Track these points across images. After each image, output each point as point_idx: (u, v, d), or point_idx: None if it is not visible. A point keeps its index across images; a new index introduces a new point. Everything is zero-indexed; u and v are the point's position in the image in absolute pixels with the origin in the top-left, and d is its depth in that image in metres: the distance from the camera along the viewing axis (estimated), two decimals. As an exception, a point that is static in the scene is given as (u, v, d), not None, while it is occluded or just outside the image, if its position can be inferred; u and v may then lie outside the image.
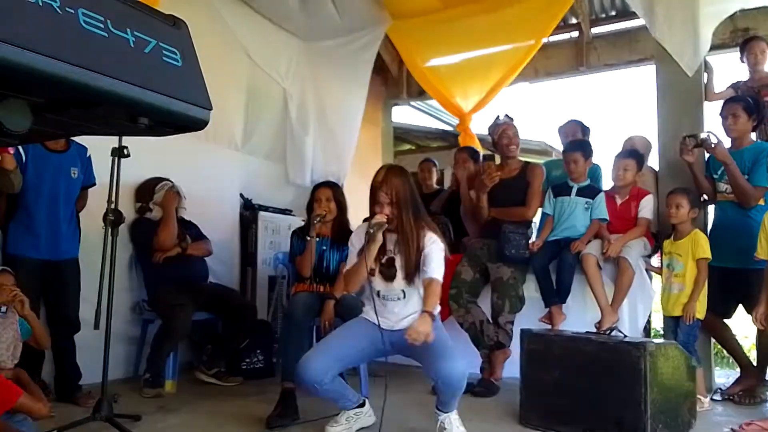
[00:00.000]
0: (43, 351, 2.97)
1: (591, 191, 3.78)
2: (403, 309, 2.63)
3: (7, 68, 0.90)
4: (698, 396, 2.94)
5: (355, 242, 2.70)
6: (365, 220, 3.32)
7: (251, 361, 3.98)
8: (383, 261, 2.64)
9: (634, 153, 3.90)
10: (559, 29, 5.29)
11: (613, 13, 5.80)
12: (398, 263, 2.62)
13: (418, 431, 2.80)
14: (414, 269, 2.58)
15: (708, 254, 3.24)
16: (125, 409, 2.84)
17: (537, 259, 3.71)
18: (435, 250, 2.59)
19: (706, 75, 4.05)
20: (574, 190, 3.79)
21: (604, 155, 4.67)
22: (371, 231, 2.53)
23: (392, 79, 6.93)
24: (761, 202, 3.46)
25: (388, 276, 2.63)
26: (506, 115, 3.97)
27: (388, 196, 2.59)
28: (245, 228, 4.89)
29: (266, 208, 5.01)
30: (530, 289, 3.82)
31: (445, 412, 2.56)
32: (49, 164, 3.12)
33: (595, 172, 4.30)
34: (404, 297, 2.62)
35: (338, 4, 5.12)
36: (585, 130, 4.53)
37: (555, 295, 3.70)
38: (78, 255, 3.26)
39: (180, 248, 3.78)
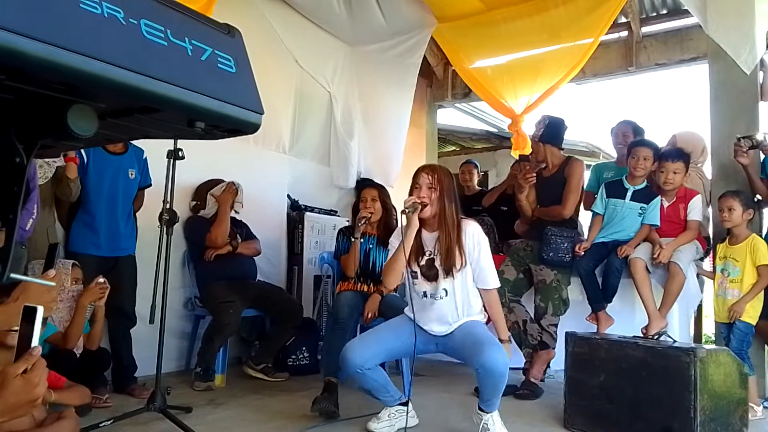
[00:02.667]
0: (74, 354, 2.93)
1: (647, 194, 3.64)
2: (449, 306, 2.64)
3: (76, 76, 0.97)
4: (751, 404, 2.84)
5: (395, 241, 2.74)
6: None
7: (297, 357, 4.07)
8: (423, 263, 2.67)
9: (682, 155, 3.76)
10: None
11: (664, 12, 5.65)
12: (437, 263, 2.64)
13: None
14: (453, 263, 2.60)
15: None
16: (177, 401, 2.95)
17: (582, 262, 3.62)
18: (484, 251, 2.64)
19: (761, 73, 3.90)
20: (629, 194, 3.66)
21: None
22: (407, 211, 2.55)
23: (437, 81, 6.94)
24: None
25: (431, 276, 2.66)
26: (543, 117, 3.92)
27: (431, 182, 2.62)
28: (292, 228, 4.99)
29: (312, 209, 5.10)
30: (575, 292, 3.77)
31: (487, 413, 2.56)
32: (108, 166, 3.27)
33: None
34: (447, 295, 2.64)
35: (384, 9, 5.18)
36: (638, 130, 4.39)
37: (601, 300, 3.63)
38: (135, 252, 3.41)
39: (231, 246, 3.89)
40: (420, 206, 2.57)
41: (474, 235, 2.66)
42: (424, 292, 2.68)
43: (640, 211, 3.63)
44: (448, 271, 2.61)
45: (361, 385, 2.69)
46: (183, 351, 4.02)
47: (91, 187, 3.23)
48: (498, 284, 2.75)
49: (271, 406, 3.17)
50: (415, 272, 2.68)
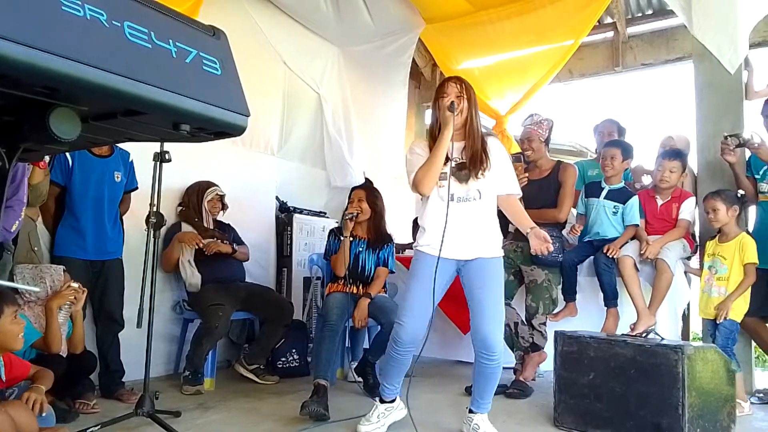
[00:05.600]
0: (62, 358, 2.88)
1: (622, 194, 3.72)
2: (478, 212, 2.60)
3: (58, 79, 0.96)
4: (738, 400, 2.87)
5: (419, 150, 2.69)
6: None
7: (287, 360, 4.05)
8: (454, 165, 2.61)
9: (679, 154, 3.80)
10: (593, 29, 5.21)
11: (650, 12, 5.70)
12: (467, 166, 2.61)
13: (451, 432, 2.81)
14: (482, 166, 2.59)
15: (756, 259, 3.17)
16: (166, 406, 2.93)
17: (567, 255, 3.72)
18: (504, 160, 2.71)
19: (746, 73, 3.95)
20: (603, 193, 3.76)
21: (640, 156, 4.58)
22: (451, 109, 2.52)
23: (425, 82, 6.95)
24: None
25: (463, 178, 2.59)
26: (531, 116, 3.92)
27: (460, 90, 2.62)
28: (281, 230, 4.98)
29: (301, 211, 5.09)
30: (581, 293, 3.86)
31: (478, 413, 2.57)
32: (94, 169, 3.25)
33: (627, 175, 4.25)
34: (480, 197, 2.60)
35: (372, 10, 5.18)
36: (621, 129, 4.46)
37: (574, 293, 3.79)
38: (122, 256, 3.38)
39: (231, 248, 3.93)
40: (456, 106, 2.55)
41: (496, 145, 2.71)
42: (452, 195, 2.56)
43: (613, 209, 3.71)
44: (478, 173, 2.58)
45: (408, 361, 2.65)
46: (171, 355, 3.99)
47: (77, 190, 3.20)
48: (519, 191, 2.77)
49: (260, 410, 3.15)
50: (445, 173, 2.59)
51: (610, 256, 3.57)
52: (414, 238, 5.02)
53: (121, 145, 3.38)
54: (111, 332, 3.30)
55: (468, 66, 5.61)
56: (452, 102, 2.54)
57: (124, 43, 1.04)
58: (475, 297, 2.57)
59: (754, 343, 3.66)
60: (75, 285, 2.82)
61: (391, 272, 3.73)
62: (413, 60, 5.91)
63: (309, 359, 4.08)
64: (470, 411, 2.62)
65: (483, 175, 2.59)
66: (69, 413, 2.74)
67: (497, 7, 5.16)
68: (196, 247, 3.79)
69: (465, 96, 2.62)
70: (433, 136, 2.66)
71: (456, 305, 3.79)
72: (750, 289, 3.19)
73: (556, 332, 2.98)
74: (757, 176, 3.54)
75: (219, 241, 3.89)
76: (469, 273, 2.61)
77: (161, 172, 2.73)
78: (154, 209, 2.73)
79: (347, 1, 5.07)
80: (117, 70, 1.00)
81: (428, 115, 7.54)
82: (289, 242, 4.94)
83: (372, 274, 3.63)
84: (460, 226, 2.56)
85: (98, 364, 3.18)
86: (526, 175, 3.75)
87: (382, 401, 2.75)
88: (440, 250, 2.51)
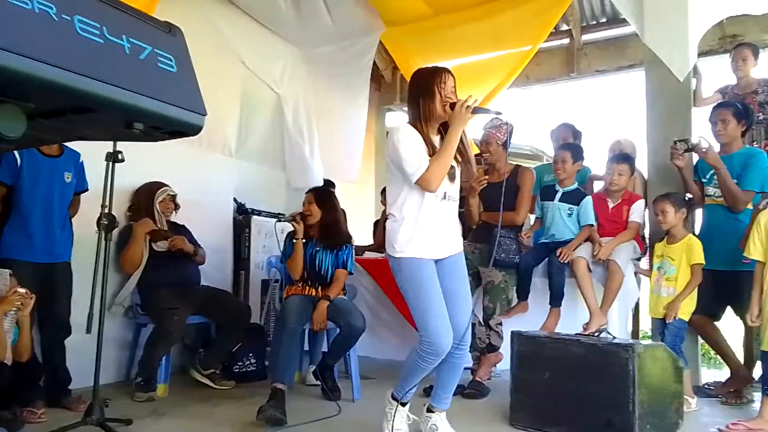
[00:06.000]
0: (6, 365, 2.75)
1: (576, 196, 3.84)
2: (455, 214, 2.58)
3: (2, 74, 0.92)
4: (686, 397, 2.97)
5: (414, 136, 2.47)
6: None
7: (243, 364, 3.99)
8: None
9: (627, 158, 3.94)
10: (550, 36, 5.33)
11: (604, 20, 5.87)
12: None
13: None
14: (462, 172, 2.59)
15: (702, 260, 3.28)
16: (117, 413, 2.84)
17: (524, 257, 3.80)
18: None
19: (694, 80, 4.11)
20: (558, 195, 3.87)
21: (595, 159, 4.71)
22: (479, 111, 2.48)
23: (386, 84, 6.97)
24: (749, 206, 3.51)
25: (453, 175, 2.54)
26: (491, 120, 3.97)
27: (454, 84, 2.58)
28: (238, 232, 4.90)
29: (259, 213, 5.03)
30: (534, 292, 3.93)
31: (437, 412, 2.58)
32: (43, 169, 3.13)
33: (585, 176, 4.36)
34: (457, 200, 2.58)
35: (332, 11, 5.16)
36: (576, 133, 4.57)
37: (527, 293, 3.87)
38: (71, 259, 3.27)
39: (193, 251, 3.87)
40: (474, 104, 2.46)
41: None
42: (444, 194, 2.49)
43: (568, 211, 3.82)
44: (454, 173, 2.54)
45: (424, 371, 2.50)
46: (123, 361, 3.87)
47: (25, 190, 3.08)
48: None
49: (215, 415, 3.09)
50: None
51: (563, 261, 3.66)
52: (379, 240, 5.02)
53: (72, 145, 3.26)
54: (58, 338, 3.18)
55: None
56: (473, 102, 2.47)
57: (74, 38, 1.00)
58: (451, 291, 2.52)
59: (700, 341, 3.80)
60: (22, 290, 2.70)
61: (350, 274, 3.73)
62: (374, 62, 5.92)
63: (267, 363, 4.03)
64: (429, 410, 2.62)
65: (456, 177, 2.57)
66: (15, 422, 2.64)
67: (457, 12, 5.21)
68: (157, 236, 3.72)
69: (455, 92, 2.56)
70: (426, 122, 2.51)
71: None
72: (697, 288, 3.31)
73: (512, 332, 3.03)
74: (704, 180, 3.68)
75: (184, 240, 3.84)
76: (445, 269, 2.55)
77: (114, 172, 2.66)
78: (106, 211, 2.65)
79: (307, 2, 5.04)
80: (66, 65, 0.96)
81: (389, 117, 7.57)
82: (247, 244, 4.87)
83: (331, 275, 3.62)
84: (447, 225, 2.55)
85: (44, 371, 3.06)
86: (486, 177, 3.80)
87: (403, 404, 2.63)
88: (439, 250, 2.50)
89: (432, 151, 2.46)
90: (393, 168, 2.49)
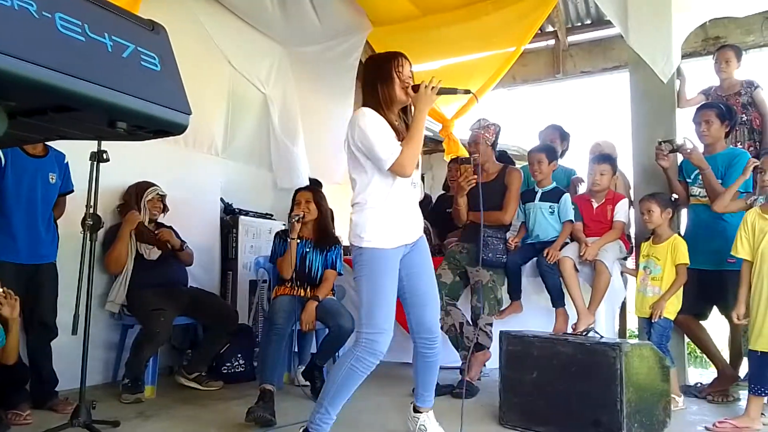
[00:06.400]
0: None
1: (555, 194, 3.89)
2: (417, 199, 2.53)
3: (-18, 72, 0.90)
4: (673, 395, 2.99)
5: (379, 119, 2.39)
6: None
7: (232, 365, 3.97)
8: None
9: (608, 158, 3.98)
10: (536, 37, 5.38)
11: (589, 22, 5.92)
12: None
13: (397, 433, 2.81)
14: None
15: (687, 260, 3.31)
16: (104, 416, 2.81)
17: (511, 257, 3.83)
18: None
19: (678, 82, 4.14)
20: (537, 196, 3.92)
21: (581, 160, 4.74)
22: (446, 92, 2.43)
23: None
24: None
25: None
26: (479, 120, 3.99)
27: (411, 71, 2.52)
28: (226, 232, 4.88)
29: (247, 213, 5.00)
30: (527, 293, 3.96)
31: (424, 411, 2.57)
32: (27, 169, 3.09)
33: (568, 178, 4.39)
34: (418, 185, 2.53)
35: (319, 11, 5.15)
36: (564, 134, 4.59)
37: (519, 292, 3.89)
38: (56, 260, 3.24)
39: (180, 244, 3.87)
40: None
41: None
42: (412, 179, 2.46)
43: (549, 209, 3.87)
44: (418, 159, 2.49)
45: (355, 383, 2.37)
46: (110, 362, 3.84)
47: (9, 190, 3.04)
48: None
49: (203, 417, 3.07)
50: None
51: (550, 262, 3.68)
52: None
53: (57, 145, 3.23)
54: (44, 340, 3.15)
55: (415, 69, 5.64)
56: (438, 84, 2.41)
57: (55, 36, 0.99)
58: (418, 282, 2.48)
59: (686, 339, 3.83)
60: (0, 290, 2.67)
61: (339, 274, 3.72)
62: (360, 62, 5.92)
63: (255, 364, 4.01)
64: (416, 410, 2.61)
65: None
66: (0, 424, 2.60)
67: (444, 13, 5.24)
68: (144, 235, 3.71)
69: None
70: (387, 107, 2.44)
71: (400, 306, 3.81)
72: (683, 287, 3.34)
73: (501, 332, 3.04)
74: (688, 180, 3.71)
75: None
76: (412, 252, 2.48)
77: (98, 172, 2.64)
78: (91, 211, 2.63)
79: (294, 1, 5.03)
80: (47, 63, 0.95)
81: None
82: (234, 245, 4.84)
83: (320, 276, 3.61)
84: (413, 210, 2.51)
85: (30, 373, 3.03)
86: (475, 176, 3.81)
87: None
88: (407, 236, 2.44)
89: (398, 137, 2.41)
90: (359, 155, 2.39)
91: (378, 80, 2.47)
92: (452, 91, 2.54)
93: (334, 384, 2.34)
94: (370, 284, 2.35)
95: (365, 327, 2.30)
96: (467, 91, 2.69)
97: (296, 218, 3.50)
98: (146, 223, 3.81)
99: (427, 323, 2.50)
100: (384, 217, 2.38)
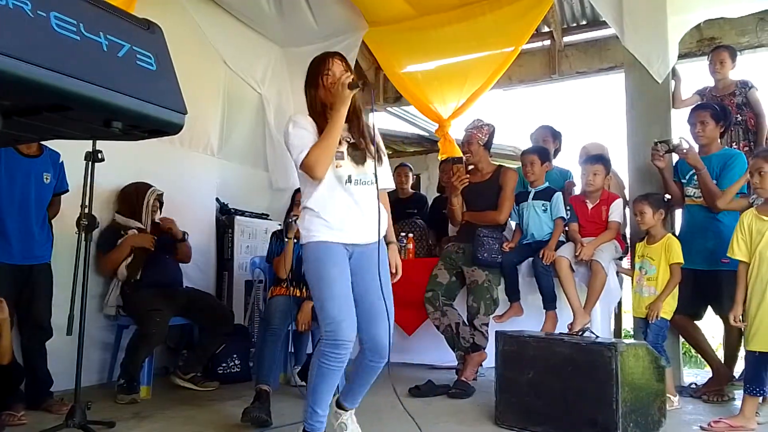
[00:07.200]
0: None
1: (548, 193, 3.91)
2: (371, 198, 2.38)
3: (-22, 71, 0.90)
4: (668, 395, 3.00)
5: (305, 124, 2.38)
6: None
7: (228, 365, 3.97)
8: (348, 144, 2.40)
9: (601, 158, 3.98)
10: (531, 37, 5.38)
11: (584, 22, 5.92)
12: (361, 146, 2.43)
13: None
14: (373, 147, 2.43)
15: (681, 259, 3.31)
16: (99, 416, 2.80)
17: (508, 257, 3.83)
18: (383, 148, 2.53)
19: (673, 82, 4.16)
20: (530, 195, 3.95)
21: (576, 161, 4.75)
22: (353, 87, 2.30)
23: (368, 84, 6.96)
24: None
25: (359, 158, 2.39)
26: (473, 121, 4.00)
27: (346, 67, 2.46)
28: (221, 233, 4.87)
29: (242, 213, 5.00)
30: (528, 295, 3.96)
31: (347, 410, 2.51)
32: (21, 168, 3.08)
33: (563, 180, 4.39)
34: (374, 182, 2.39)
35: (315, 11, 5.16)
36: (556, 135, 4.60)
37: (517, 293, 3.88)
38: (50, 260, 3.23)
39: (182, 234, 3.90)
40: (359, 86, 2.33)
41: (375, 127, 2.54)
42: (349, 177, 2.35)
43: (543, 208, 3.90)
44: (372, 155, 2.41)
45: (330, 380, 2.32)
46: (105, 363, 3.83)
47: (2, 190, 3.03)
48: (393, 185, 2.61)
49: (199, 418, 3.06)
50: (341, 152, 2.36)
51: (546, 263, 3.69)
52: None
53: (52, 144, 3.22)
54: (38, 340, 3.14)
55: (411, 70, 5.67)
56: (352, 79, 2.34)
57: (50, 35, 0.98)
58: (364, 293, 2.35)
59: (681, 339, 3.84)
60: None
61: (334, 275, 3.70)
62: (356, 62, 5.91)
63: (251, 364, 4.00)
64: (340, 407, 2.52)
65: (376, 161, 2.41)
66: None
67: (440, 13, 5.24)
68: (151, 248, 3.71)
69: (351, 74, 2.44)
70: (317, 113, 2.42)
71: (397, 307, 3.81)
72: (678, 288, 3.35)
73: (497, 332, 3.04)
74: (683, 180, 3.72)
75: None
76: (361, 258, 2.37)
77: (93, 172, 2.63)
78: (86, 211, 2.62)
79: (290, 1, 5.03)
80: (42, 62, 0.94)
81: (371, 118, 7.55)
82: (230, 245, 4.84)
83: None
84: (358, 209, 2.36)
85: (24, 373, 3.02)
86: (468, 176, 3.82)
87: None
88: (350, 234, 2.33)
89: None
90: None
91: (307, 85, 2.51)
92: (356, 86, 2.35)
93: (311, 384, 2.35)
94: (317, 278, 2.29)
95: (322, 322, 2.27)
96: (356, 86, 2.37)
97: (294, 219, 3.50)
98: (145, 225, 3.80)
99: (379, 343, 2.33)
100: (324, 216, 2.32)
